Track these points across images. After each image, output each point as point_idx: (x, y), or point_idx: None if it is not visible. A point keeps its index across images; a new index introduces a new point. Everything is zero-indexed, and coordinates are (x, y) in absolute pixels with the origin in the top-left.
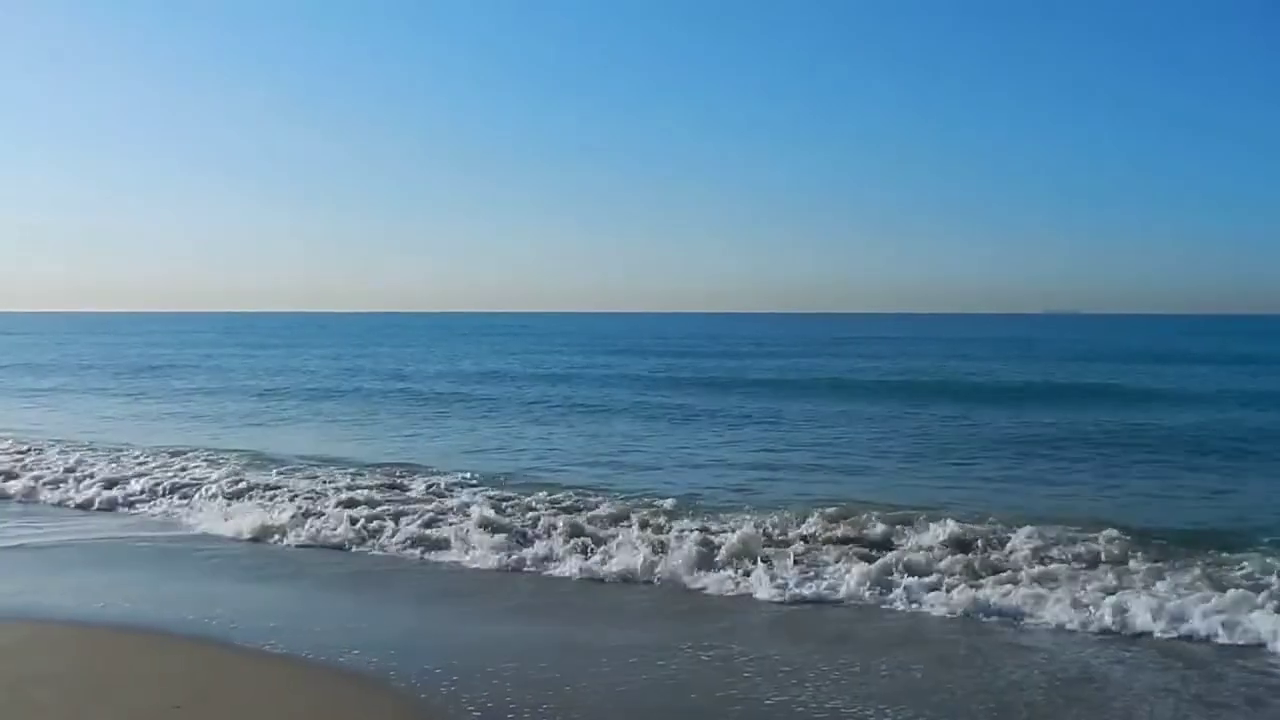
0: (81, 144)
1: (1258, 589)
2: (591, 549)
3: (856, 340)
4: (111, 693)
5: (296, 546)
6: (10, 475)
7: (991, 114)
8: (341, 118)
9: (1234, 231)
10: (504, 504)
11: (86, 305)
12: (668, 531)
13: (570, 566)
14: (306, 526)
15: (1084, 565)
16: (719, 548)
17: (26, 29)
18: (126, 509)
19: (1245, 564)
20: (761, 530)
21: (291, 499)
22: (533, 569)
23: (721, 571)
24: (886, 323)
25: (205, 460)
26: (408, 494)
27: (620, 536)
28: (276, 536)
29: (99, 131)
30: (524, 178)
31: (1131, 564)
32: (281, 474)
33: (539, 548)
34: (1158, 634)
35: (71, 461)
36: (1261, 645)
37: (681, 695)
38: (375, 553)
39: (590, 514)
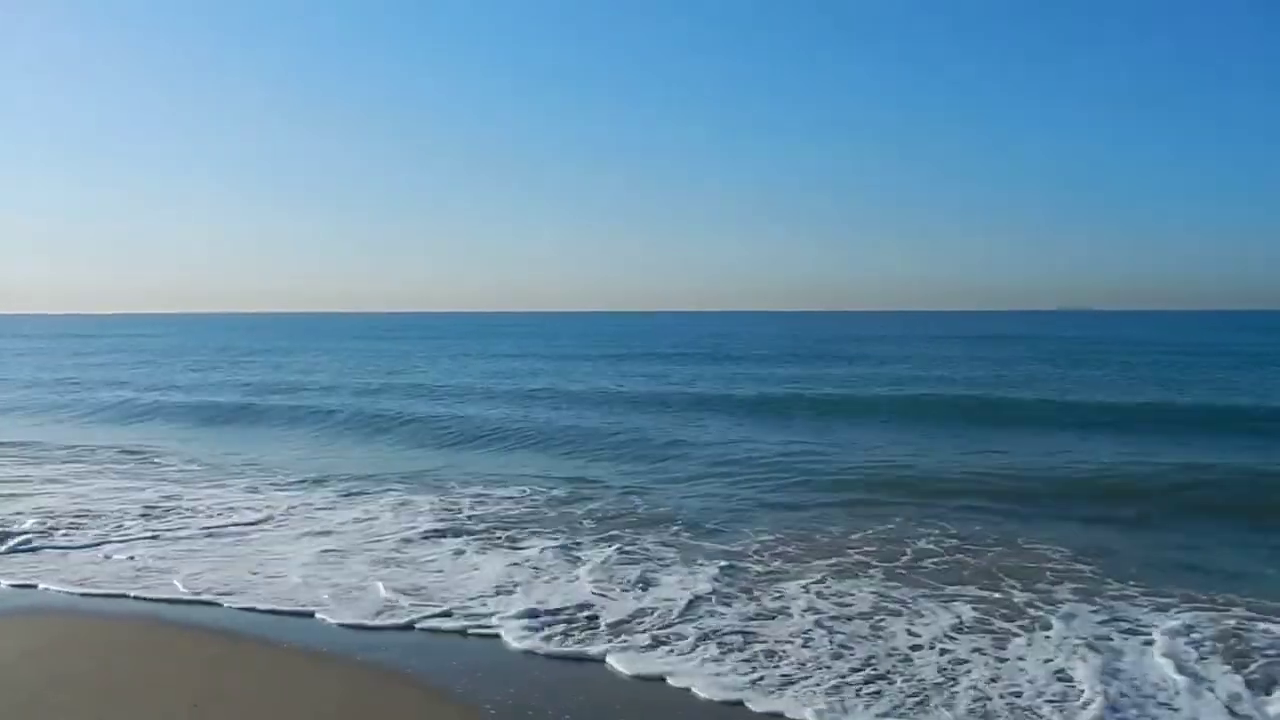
0: (97, 152)
1: None
2: None
3: (879, 340)
4: (128, 692)
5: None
6: None
7: (1001, 109)
8: (352, 121)
9: (1249, 225)
10: None
11: (97, 308)
12: None
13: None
14: None
15: None
16: None
17: (36, 39)
18: None
19: None
20: None
21: None
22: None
23: None
24: (900, 321)
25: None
26: None
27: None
28: None
29: (112, 139)
30: (528, 177)
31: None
32: None
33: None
34: None
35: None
36: None
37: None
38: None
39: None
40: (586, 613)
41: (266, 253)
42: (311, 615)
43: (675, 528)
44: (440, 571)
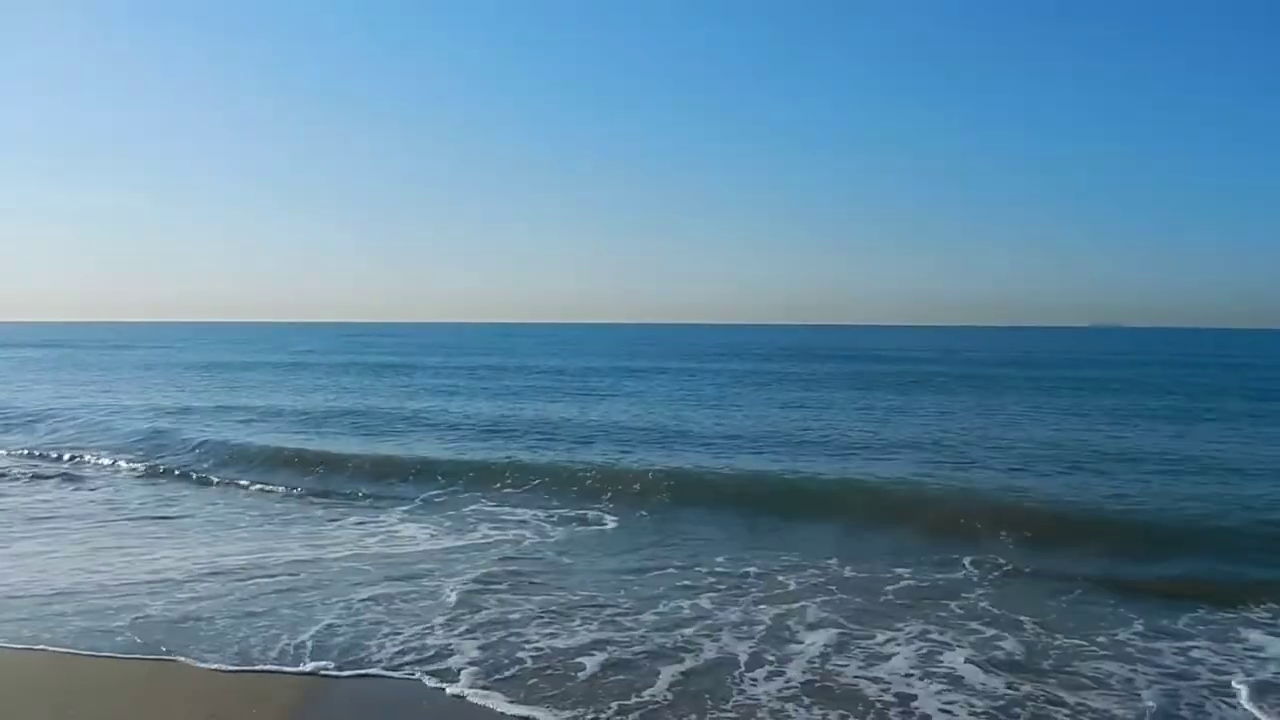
0: (126, 161)
1: None
2: None
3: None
4: None
5: None
6: None
7: (1035, 120)
8: (369, 125)
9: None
10: None
11: (120, 316)
12: None
13: None
14: None
15: None
16: None
17: (56, 50)
18: None
19: None
20: None
21: None
22: None
23: None
24: (930, 336)
25: None
26: None
27: None
28: None
29: (144, 150)
30: (571, 190)
31: None
32: None
33: None
34: None
35: None
36: None
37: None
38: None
39: None
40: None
41: (285, 263)
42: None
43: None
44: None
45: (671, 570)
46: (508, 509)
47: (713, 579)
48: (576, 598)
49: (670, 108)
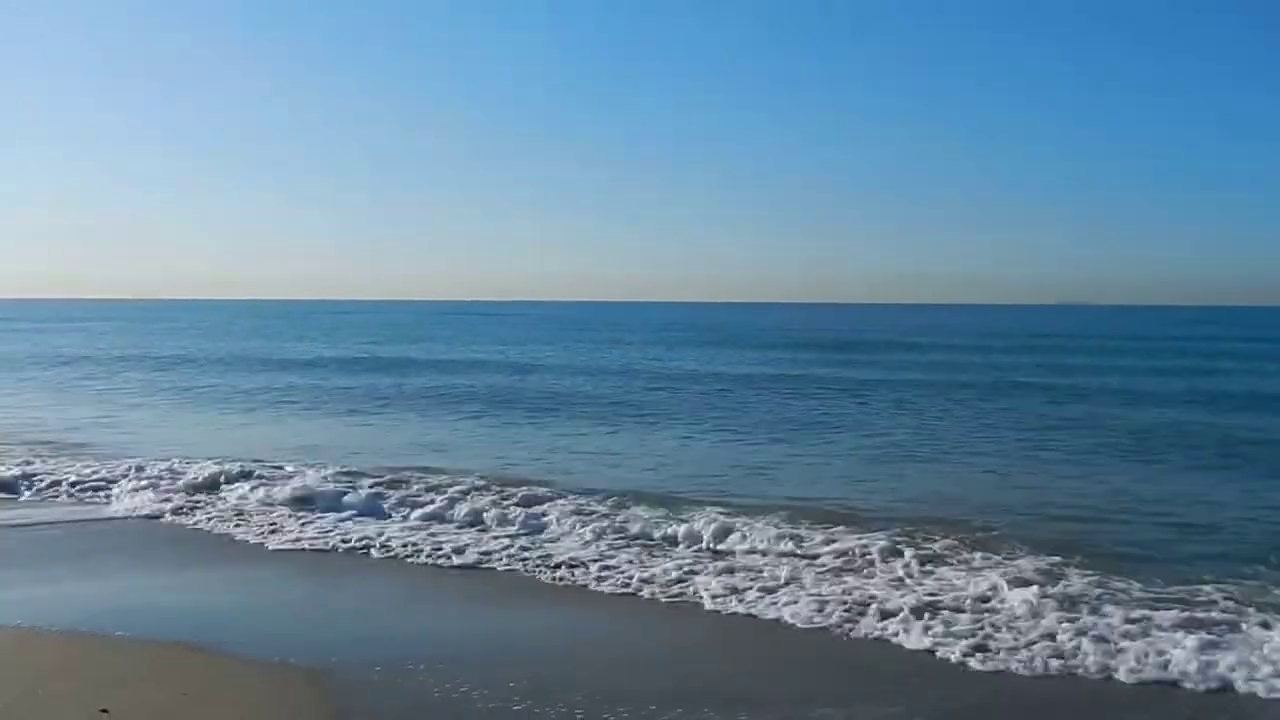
0: (113, 147)
1: None
2: None
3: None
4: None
5: None
6: None
7: (1001, 103)
8: (355, 111)
9: (1252, 222)
10: None
11: (111, 294)
12: None
13: None
14: None
15: None
16: None
17: (59, 41)
18: None
19: None
20: None
21: None
22: None
23: None
24: (903, 315)
25: None
26: None
27: None
28: None
29: (125, 134)
30: (535, 170)
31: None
32: None
33: None
34: None
35: None
36: None
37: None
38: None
39: None
40: None
41: (258, 242)
42: None
43: None
44: None
45: None
46: None
47: None
48: None
49: (650, 90)
